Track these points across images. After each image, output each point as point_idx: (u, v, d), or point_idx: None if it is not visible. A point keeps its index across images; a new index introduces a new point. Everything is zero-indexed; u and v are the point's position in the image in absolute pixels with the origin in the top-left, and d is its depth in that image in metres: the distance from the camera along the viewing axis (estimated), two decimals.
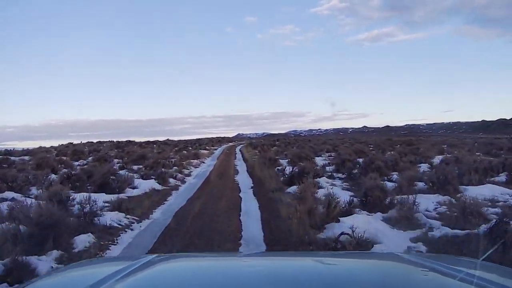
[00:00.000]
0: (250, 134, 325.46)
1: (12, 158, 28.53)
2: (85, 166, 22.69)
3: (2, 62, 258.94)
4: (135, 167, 22.73)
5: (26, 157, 29.94)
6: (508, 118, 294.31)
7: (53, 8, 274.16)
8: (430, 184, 13.35)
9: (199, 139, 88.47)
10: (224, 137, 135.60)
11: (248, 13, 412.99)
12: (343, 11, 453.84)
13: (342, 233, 7.56)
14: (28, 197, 12.19)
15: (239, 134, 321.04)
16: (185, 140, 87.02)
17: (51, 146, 49.56)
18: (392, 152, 31.32)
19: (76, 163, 26.73)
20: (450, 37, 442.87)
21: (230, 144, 78.41)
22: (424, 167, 20.39)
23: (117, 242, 8.62)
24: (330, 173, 19.29)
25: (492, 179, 15.58)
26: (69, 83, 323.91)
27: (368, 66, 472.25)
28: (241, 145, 70.53)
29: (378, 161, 19.20)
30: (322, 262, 2.20)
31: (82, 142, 60.57)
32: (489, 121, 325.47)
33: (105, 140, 66.97)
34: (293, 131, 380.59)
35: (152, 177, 18.07)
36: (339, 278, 1.81)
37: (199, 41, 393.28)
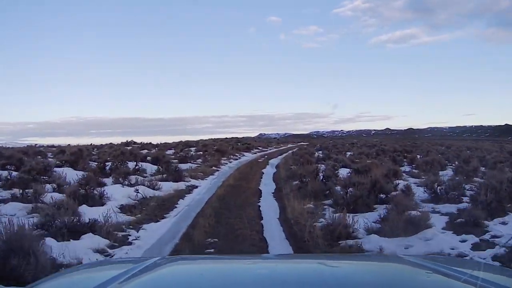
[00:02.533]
0: (272, 134, 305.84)
1: None
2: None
3: (23, 58, 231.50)
4: None
5: None
6: None
7: (74, 6, 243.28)
8: None
9: (182, 141, 45.88)
10: (243, 137, 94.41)
11: (272, 13, 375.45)
12: (366, 12, 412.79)
13: None
14: None
15: (261, 134, 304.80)
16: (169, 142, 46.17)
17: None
18: None
19: None
20: (472, 40, 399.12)
21: (245, 157, 32.09)
22: None
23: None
24: None
25: None
26: (89, 80, 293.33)
27: (391, 68, 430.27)
28: (271, 160, 29.38)
29: None
30: (327, 264, 2.04)
31: None
32: None
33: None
34: (315, 132, 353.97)
35: None
36: (343, 280, 1.68)
37: (222, 40, 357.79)
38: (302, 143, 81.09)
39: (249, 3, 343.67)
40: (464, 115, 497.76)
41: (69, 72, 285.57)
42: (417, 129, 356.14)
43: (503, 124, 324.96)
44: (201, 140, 77.83)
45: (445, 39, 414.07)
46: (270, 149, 46.65)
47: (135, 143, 39.90)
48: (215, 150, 28.63)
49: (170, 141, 49.11)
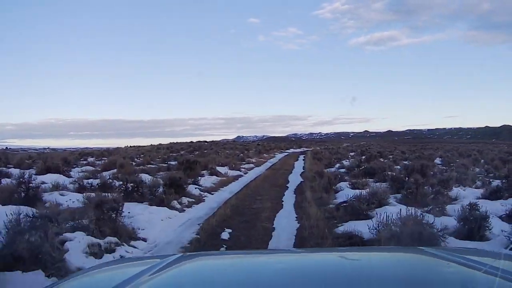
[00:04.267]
0: (250, 137, 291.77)
1: None
2: None
3: (3, 60, 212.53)
4: None
5: None
6: None
7: (58, 10, 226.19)
8: None
9: None
10: (208, 141, 69.92)
11: (252, 14, 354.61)
12: (345, 14, 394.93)
13: None
14: None
15: (239, 136, 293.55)
16: None
17: None
18: None
19: None
20: (454, 42, 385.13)
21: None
22: None
23: None
24: None
25: None
26: (69, 82, 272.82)
27: (371, 70, 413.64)
28: None
29: None
30: (346, 257, 1.95)
31: None
32: (493, 127, 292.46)
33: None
34: (293, 134, 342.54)
35: None
36: (363, 273, 1.63)
37: (201, 42, 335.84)
38: (293, 149, 56.08)
39: (229, 4, 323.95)
40: (445, 117, 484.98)
41: (48, 73, 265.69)
42: (396, 131, 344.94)
43: (483, 126, 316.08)
44: (150, 146, 53.16)
45: (425, 41, 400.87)
46: (244, 173, 21.22)
47: None
48: None
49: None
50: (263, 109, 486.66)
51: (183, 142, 64.67)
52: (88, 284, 1.73)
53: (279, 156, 36.60)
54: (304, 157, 35.35)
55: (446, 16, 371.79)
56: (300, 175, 19.18)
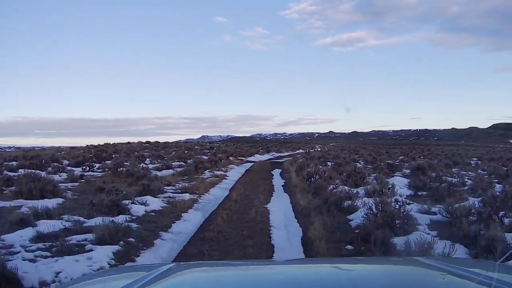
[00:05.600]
0: (215, 136, 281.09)
1: None
2: None
3: None
4: None
5: None
6: (480, 126, 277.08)
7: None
8: None
9: None
10: (152, 142, 52.13)
11: (219, 13, 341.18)
12: (312, 15, 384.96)
13: None
14: None
15: (203, 136, 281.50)
16: None
17: None
18: None
19: None
20: (421, 44, 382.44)
21: None
22: None
23: None
24: None
25: None
26: (36, 80, 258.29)
27: (337, 71, 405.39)
28: None
29: None
30: (341, 268, 1.91)
31: None
32: (460, 129, 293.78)
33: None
34: (257, 134, 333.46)
35: None
36: (358, 284, 1.57)
37: (167, 41, 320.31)
38: (259, 155, 38.26)
39: (196, 2, 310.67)
40: (410, 118, 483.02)
41: (15, 71, 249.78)
42: (362, 132, 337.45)
43: (450, 128, 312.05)
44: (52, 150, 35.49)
45: (392, 43, 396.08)
46: None
47: None
48: None
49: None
50: (228, 109, 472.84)
51: (116, 143, 46.56)
52: None
53: (233, 175, 18.72)
54: (283, 179, 17.96)
55: (414, 18, 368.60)
56: None
